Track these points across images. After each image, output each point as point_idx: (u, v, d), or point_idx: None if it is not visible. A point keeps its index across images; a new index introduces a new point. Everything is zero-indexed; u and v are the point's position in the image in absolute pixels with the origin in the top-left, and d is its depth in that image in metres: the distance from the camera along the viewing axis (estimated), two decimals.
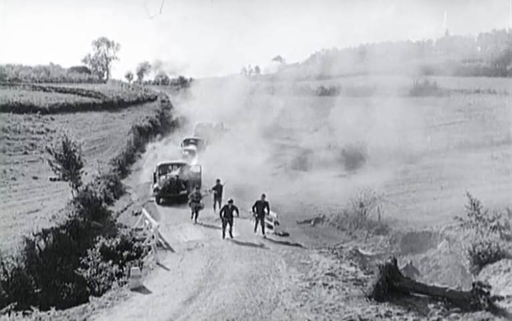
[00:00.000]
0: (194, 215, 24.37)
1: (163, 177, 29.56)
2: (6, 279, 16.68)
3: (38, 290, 17.18)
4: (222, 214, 21.65)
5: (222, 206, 23.06)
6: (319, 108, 53.37)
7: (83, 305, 15.63)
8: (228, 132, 45.14)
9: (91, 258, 19.95)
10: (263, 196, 22.26)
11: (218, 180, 25.88)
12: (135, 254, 20.58)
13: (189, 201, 24.70)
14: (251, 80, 70.73)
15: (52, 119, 48.28)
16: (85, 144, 32.23)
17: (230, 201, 21.84)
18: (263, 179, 31.71)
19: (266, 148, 39.54)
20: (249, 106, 48.10)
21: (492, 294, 13.94)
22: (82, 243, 21.59)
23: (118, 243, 21.10)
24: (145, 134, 49.25)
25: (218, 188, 25.51)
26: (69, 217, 22.61)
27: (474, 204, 19.78)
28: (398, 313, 13.98)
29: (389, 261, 15.73)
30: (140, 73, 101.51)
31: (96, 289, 18.07)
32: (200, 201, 24.48)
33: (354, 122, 40.21)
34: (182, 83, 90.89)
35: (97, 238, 21.61)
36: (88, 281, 18.71)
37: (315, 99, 60.68)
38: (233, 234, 21.62)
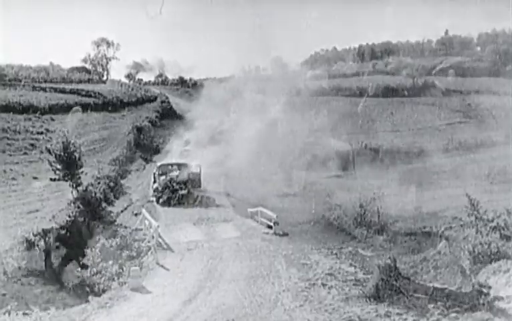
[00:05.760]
0: None
1: (163, 177, 29.58)
2: (6, 279, 16.66)
3: (38, 290, 17.15)
4: None
5: None
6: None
7: (83, 305, 15.65)
8: None
9: (90, 258, 19.94)
10: None
11: None
12: (135, 254, 20.55)
13: None
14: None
15: (52, 119, 48.19)
16: (85, 144, 32.17)
17: None
18: None
19: None
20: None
21: (491, 294, 13.95)
22: (82, 243, 21.58)
23: (118, 243, 21.10)
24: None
25: None
26: (69, 217, 22.64)
27: (473, 205, 19.74)
28: (398, 314, 14.02)
29: (388, 261, 15.75)
30: (135, 67, 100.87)
31: (96, 289, 18.05)
32: None
33: (353, 122, 40.05)
34: (182, 83, 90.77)
35: (97, 238, 21.59)
36: (88, 282, 18.68)
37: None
38: None
